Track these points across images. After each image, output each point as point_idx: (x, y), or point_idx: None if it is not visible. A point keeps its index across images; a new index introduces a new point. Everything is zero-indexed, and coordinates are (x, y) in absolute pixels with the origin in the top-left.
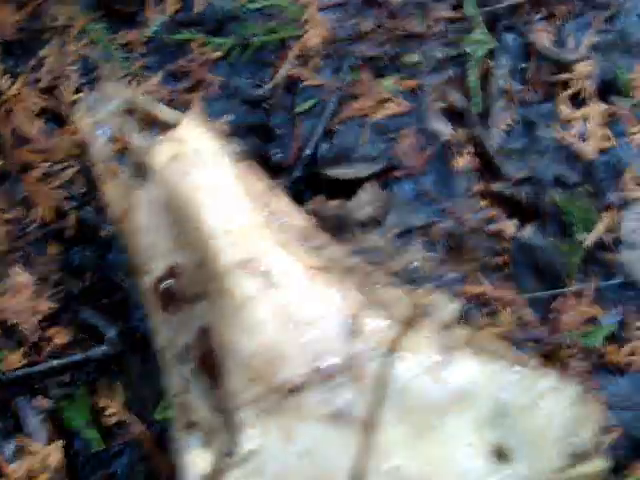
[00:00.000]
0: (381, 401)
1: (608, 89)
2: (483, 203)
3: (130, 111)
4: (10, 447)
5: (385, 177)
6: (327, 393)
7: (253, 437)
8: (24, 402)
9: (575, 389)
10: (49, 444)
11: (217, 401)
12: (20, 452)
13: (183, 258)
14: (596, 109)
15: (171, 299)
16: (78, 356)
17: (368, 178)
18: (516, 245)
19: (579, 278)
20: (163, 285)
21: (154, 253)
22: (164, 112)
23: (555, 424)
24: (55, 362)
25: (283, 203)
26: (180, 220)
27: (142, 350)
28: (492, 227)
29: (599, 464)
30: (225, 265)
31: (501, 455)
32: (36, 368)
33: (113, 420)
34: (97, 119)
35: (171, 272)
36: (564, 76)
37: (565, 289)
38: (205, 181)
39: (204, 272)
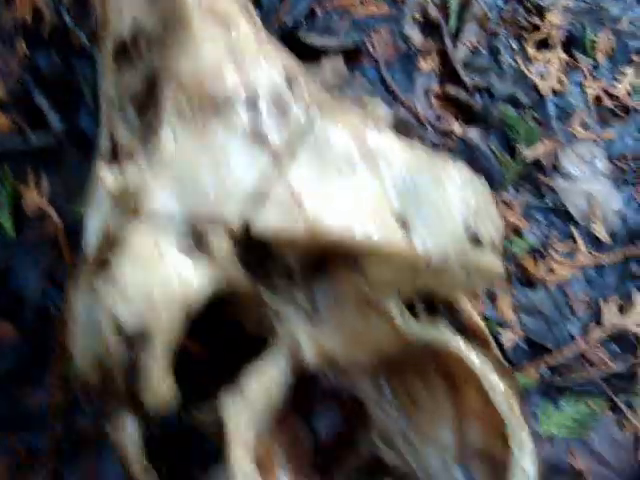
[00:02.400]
0: (301, 139)
1: (573, 44)
2: (438, 102)
3: None
4: None
5: (352, 58)
6: (252, 115)
7: (166, 141)
8: None
9: (484, 186)
10: None
11: (142, 128)
12: None
13: (149, 21)
14: (558, 56)
15: (126, 57)
16: (18, 141)
17: (336, 52)
18: (461, 145)
19: (512, 190)
20: (125, 45)
21: (124, 16)
22: None
23: (458, 210)
24: None
25: (252, 9)
26: None
27: (80, 147)
28: (442, 125)
29: (495, 262)
30: (191, 7)
31: (404, 224)
32: None
33: (32, 209)
34: None
35: (136, 33)
36: (535, 21)
37: (497, 196)
38: None
39: (165, 26)
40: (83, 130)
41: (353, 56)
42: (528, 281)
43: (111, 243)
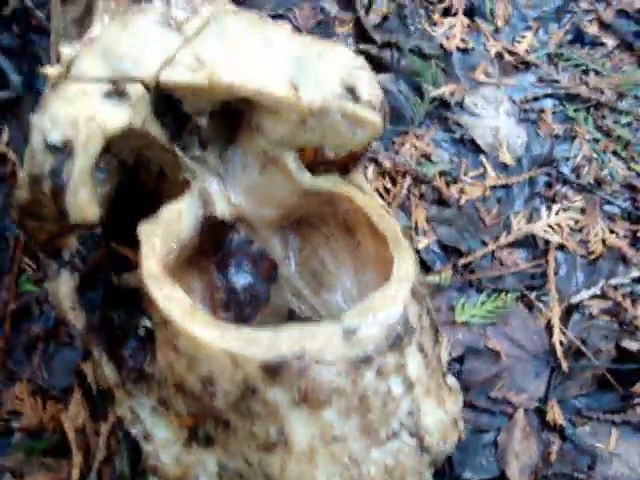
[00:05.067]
0: (206, 24)
1: (474, 12)
2: None
3: None
4: None
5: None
6: (166, 6)
7: (96, 28)
8: None
9: (363, 62)
10: None
11: (81, 33)
12: None
13: None
14: (461, 21)
15: None
16: None
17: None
18: None
19: (422, 126)
20: None
21: None
22: None
23: (336, 71)
24: None
25: None
26: None
27: (37, 100)
28: None
29: (372, 114)
30: None
31: (294, 86)
32: None
33: None
34: None
35: None
36: None
37: (408, 129)
38: None
39: None
40: (39, 88)
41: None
42: (441, 200)
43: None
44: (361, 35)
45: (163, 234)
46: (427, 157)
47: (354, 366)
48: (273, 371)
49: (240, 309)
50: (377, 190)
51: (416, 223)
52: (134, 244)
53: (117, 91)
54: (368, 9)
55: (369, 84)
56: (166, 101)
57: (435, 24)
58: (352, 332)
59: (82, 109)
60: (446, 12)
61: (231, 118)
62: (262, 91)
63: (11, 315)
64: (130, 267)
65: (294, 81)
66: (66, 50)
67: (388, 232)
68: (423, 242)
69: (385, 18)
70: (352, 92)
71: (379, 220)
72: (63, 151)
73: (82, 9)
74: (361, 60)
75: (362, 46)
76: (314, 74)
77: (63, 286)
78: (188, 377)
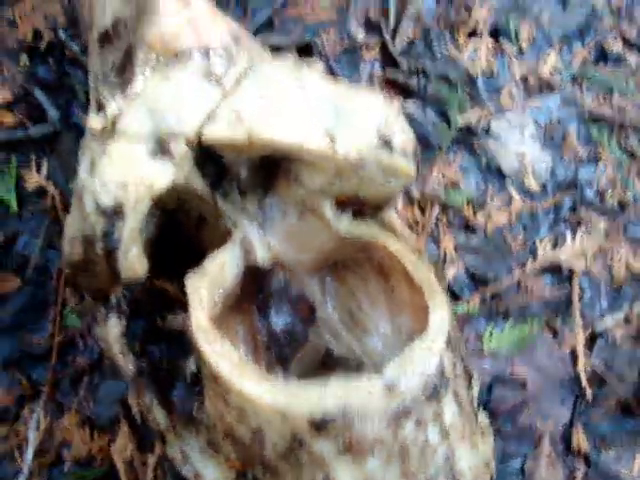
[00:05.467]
0: (245, 76)
1: (499, 33)
2: (380, 85)
3: None
4: None
5: (304, 55)
6: (205, 60)
7: (138, 82)
8: None
9: (396, 106)
10: None
11: (121, 84)
12: None
13: (126, 11)
14: (486, 44)
15: (108, 39)
16: (21, 133)
17: (290, 48)
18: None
19: (449, 153)
20: (107, 31)
21: (106, 12)
22: None
23: (372, 123)
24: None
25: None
26: None
27: (75, 135)
28: None
29: (406, 164)
30: None
31: (330, 137)
32: None
33: (33, 187)
34: None
35: (115, 22)
36: (465, 17)
37: (436, 157)
38: None
39: (138, 12)
40: (76, 122)
41: (305, 52)
42: (468, 226)
43: (96, 158)
44: (388, 61)
45: (209, 286)
46: (455, 184)
47: (394, 418)
48: (320, 425)
49: (280, 349)
50: (407, 220)
51: (445, 252)
52: (173, 278)
53: (162, 149)
54: (394, 33)
55: (403, 133)
56: (207, 153)
57: (460, 47)
58: (392, 386)
59: (130, 171)
60: (471, 34)
61: (269, 167)
62: (301, 147)
63: (57, 347)
64: (170, 301)
65: (330, 131)
66: (111, 106)
67: (423, 281)
68: (451, 271)
69: (411, 42)
70: (387, 142)
71: (414, 269)
72: (114, 214)
73: (121, 55)
74: (395, 108)
75: (389, 72)
76: (350, 125)
77: (112, 331)
78: (238, 427)
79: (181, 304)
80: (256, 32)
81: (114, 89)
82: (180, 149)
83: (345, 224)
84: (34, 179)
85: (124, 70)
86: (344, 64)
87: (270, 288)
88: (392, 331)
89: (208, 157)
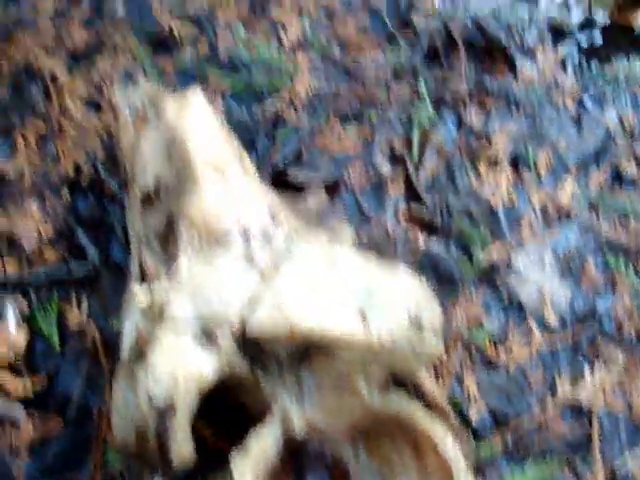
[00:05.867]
0: (283, 259)
1: (519, 162)
2: (405, 221)
3: (153, 101)
4: None
5: (332, 190)
6: (246, 245)
7: (182, 265)
8: (9, 301)
9: (424, 283)
10: (17, 332)
11: (165, 257)
12: None
13: (167, 173)
14: (506, 174)
15: (149, 202)
16: (63, 271)
17: (318, 185)
18: (425, 254)
19: (471, 289)
20: (148, 192)
21: (147, 171)
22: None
23: (403, 304)
24: (42, 273)
25: (247, 159)
26: (173, 147)
27: (114, 274)
28: (409, 239)
29: (435, 343)
30: (197, 162)
31: (363, 317)
32: (25, 275)
33: (75, 326)
34: (128, 98)
35: (157, 183)
36: (485, 146)
37: (458, 294)
38: (197, 125)
39: (178, 178)
40: (115, 260)
41: (333, 187)
42: (490, 364)
43: (146, 341)
44: (412, 195)
45: (253, 465)
46: (477, 322)
47: None
48: None
49: None
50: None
51: (468, 392)
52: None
53: (208, 338)
54: (418, 165)
55: (432, 311)
56: (248, 339)
57: (482, 177)
58: None
59: (179, 362)
60: (492, 163)
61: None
62: (338, 335)
63: None
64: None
65: (363, 311)
66: (158, 290)
67: (453, 461)
68: (474, 411)
69: (434, 175)
70: (417, 322)
71: (444, 447)
72: (166, 407)
73: (163, 221)
74: (424, 287)
75: (414, 208)
76: (382, 306)
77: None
78: None
79: (219, 452)
80: (285, 165)
81: (158, 260)
82: (226, 339)
83: (378, 398)
84: (75, 317)
85: (167, 241)
86: (370, 199)
87: (305, 454)
88: None
89: (249, 342)
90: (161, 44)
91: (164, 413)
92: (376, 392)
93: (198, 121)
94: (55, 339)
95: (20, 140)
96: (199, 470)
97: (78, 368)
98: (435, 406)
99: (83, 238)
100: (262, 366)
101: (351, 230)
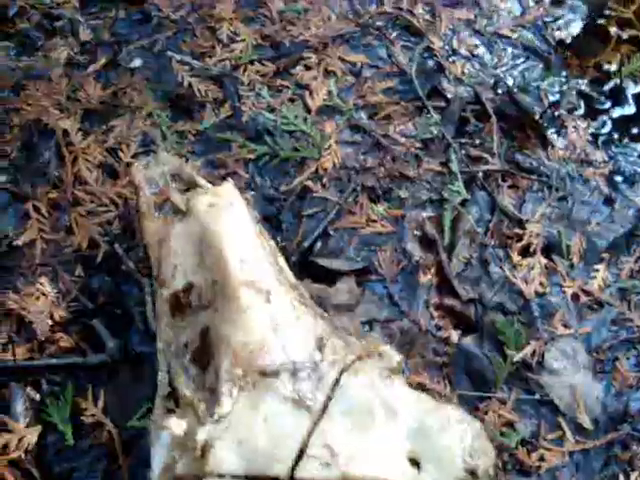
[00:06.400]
0: (332, 398)
1: (551, 249)
2: (437, 313)
3: (175, 176)
4: None
5: (362, 277)
6: (293, 383)
7: (226, 405)
8: (17, 389)
9: (479, 425)
10: (28, 427)
11: (202, 383)
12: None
13: (199, 278)
14: (539, 261)
15: (180, 308)
16: (78, 359)
17: (348, 273)
18: (457, 351)
19: (504, 388)
20: (178, 296)
21: (177, 271)
22: (204, 183)
23: (458, 450)
24: (54, 360)
25: (282, 259)
26: (206, 250)
27: (132, 365)
28: (440, 333)
29: None
30: (237, 281)
31: (414, 463)
32: (36, 362)
33: (90, 420)
34: (149, 175)
35: (188, 287)
36: (518, 231)
37: (491, 394)
38: (232, 226)
39: (214, 289)
40: (134, 349)
41: (362, 275)
42: (522, 470)
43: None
44: (445, 286)
45: None
46: (509, 424)
47: None
48: None
49: None
50: None
51: None
52: None
53: None
54: (450, 250)
55: (488, 459)
56: None
57: (515, 267)
58: None
59: None
60: (525, 250)
61: None
62: None
63: None
64: None
65: (417, 458)
66: (200, 435)
67: None
68: None
69: (467, 262)
70: (473, 472)
71: None
72: None
73: (197, 336)
74: (478, 429)
75: (447, 300)
76: (436, 452)
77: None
78: None
79: None
80: (311, 247)
81: (193, 384)
82: None
83: None
84: (91, 411)
85: (203, 363)
86: (401, 287)
87: None
88: None
89: None
90: (180, 104)
91: None
92: None
93: (233, 219)
94: (69, 433)
95: (32, 209)
96: None
97: (94, 466)
98: None
99: (99, 327)
100: None
101: (400, 357)
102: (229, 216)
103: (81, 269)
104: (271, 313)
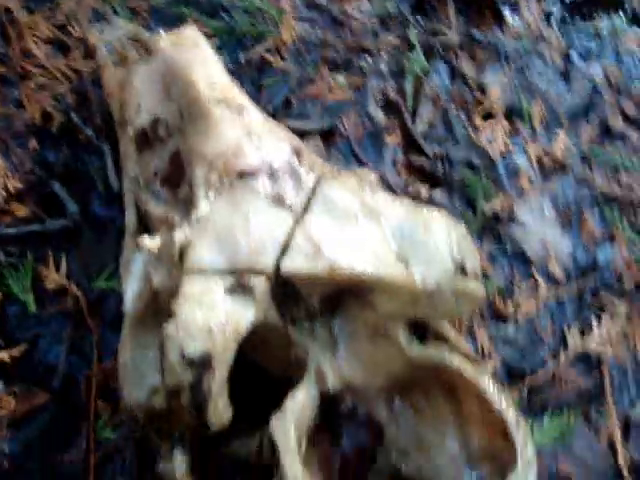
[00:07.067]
0: (314, 200)
1: (513, 113)
2: (405, 171)
3: (131, 40)
4: None
5: (328, 139)
6: (272, 184)
7: (203, 206)
8: None
9: (463, 227)
10: None
11: (174, 200)
12: None
13: (165, 111)
14: (501, 124)
15: (147, 143)
16: (36, 226)
17: (313, 134)
18: (428, 204)
19: (476, 240)
20: (145, 132)
21: (141, 110)
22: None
23: (445, 248)
24: (10, 230)
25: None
26: (172, 82)
27: (95, 228)
28: (410, 190)
29: (478, 287)
30: (207, 99)
31: (404, 262)
32: None
33: (52, 286)
34: (105, 38)
35: (154, 121)
36: (479, 97)
37: None
38: (199, 58)
39: (182, 117)
40: (96, 213)
41: (328, 136)
42: (500, 317)
43: (168, 293)
44: (410, 144)
45: (294, 427)
46: (485, 275)
47: None
48: None
49: (353, 472)
50: None
51: (482, 346)
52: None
53: (240, 285)
54: (414, 114)
55: (474, 257)
56: (281, 284)
57: (478, 129)
58: None
59: (213, 314)
60: (487, 115)
61: (338, 291)
62: (381, 279)
63: (94, 466)
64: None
65: (404, 256)
66: (179, 235)
67: (502, 409)
68: (490, 366)
69: (431, 125)
70: (461, 268)
71: (492, 397)
72: (202, 364)
73: (167, 164)
74: (462, 228)
75: (414, 158)
76: (423, 250)
77: (178, 467)
78: None
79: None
80: (274, 114)
81: (166, 203)
82: (260, 285)
83: (417, 349)
84: (53, 278)
85: (175, 185)
86: (367, 148)
87: (339, 412)
88: (460, 450)
89: (282, 289)
90: None
91: (199, 369)
92: (415, 341)
93: (200, 55)
94: (31, 302)
95: None
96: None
97: (59, 333)
98: (464, 354)
99: (59, 190)
100: (291, 319)
101: (374, 175)
102: (195, 51)
103: (35, 142)
104: (244, 124)
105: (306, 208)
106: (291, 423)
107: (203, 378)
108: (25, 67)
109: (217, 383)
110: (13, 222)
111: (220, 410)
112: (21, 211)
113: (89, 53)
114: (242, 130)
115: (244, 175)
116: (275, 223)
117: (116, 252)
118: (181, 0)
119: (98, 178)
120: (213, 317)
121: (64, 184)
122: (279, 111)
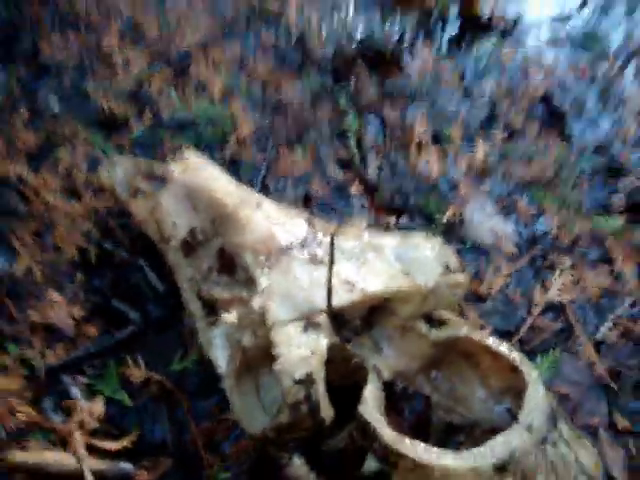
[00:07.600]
0: (333, 251)
1: (438, 137)
2: (373, 211)
3: (136, 171)
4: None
5: (306, 203)
6: (305, 249)
7: (264, 280)
8: (68, 379)
9: (440, 240)
10: (90, 401)
11: (235, 283)
12: (69, 411)
13: (198, 222)
14: (433, 149)
15: (191, 249)
16: (109, 339)
17: (296, 202)
18: (397, 229)
19: None
20: (187, 241)
21: (177, 225)
22: (161, 166)
23: (434, 258)
24: (90, 347)
25: None
26: (195, 199)
27: (158, 328)
28: (381, 222)
29: (462, 277)
30: (231, 205)
31: (408, 275)
32: (74, 355)
33: (137, 380)
34: (113, 178)
35: (192, 232)
36: (408, 133)
37: None
38: (209, 175)
39: (214, 223)
40: (155, 316)
41: (306, 201)
42: (480, 297)
43: (261, 347)
44: (369, 190)
45: (377, 409)
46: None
47: (539, 446)
48: (501, 468)
49: (416, 431)
50: None
51: (474, 322)
52: None
53: (311, 324)
54: (364, 165)
55: (453, 258)
56: (334, 318)
57: (416, 159)
58: (530, 426)
59: (303, 347)
60: (418, 146)
61: (370, 310)
62: (396, 291)
63: None
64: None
65: (407, 271)
66: (255, 303)
67: (510, 354)
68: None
69: (380, 168)
70: (447, 267)
71: (497, 348)
72: (308, 381)
73: (214, 259)
74: (439, 240)
75: (377, 201)
76: (419, 263)
77: (299, 468)
78: None
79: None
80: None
81: (227, 287)
82: (323, 320)
83: (436, 332)
84: (136, 374)
85: (229, 271)
86: (338, 201)
87: (394, 394)
88: (486, 394)
89: (334, 318)
90: (108, 125)
91: (307, 385)
92: (433, 328)
93: (209, 173)
94: (125, 398)
95: (16, 241)
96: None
97: (158, 412)
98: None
99: (119, 304)
100: (346, 338)
101: (364, 223)
102: (204, 171)
103: (81, 274)
104: (265, 214)
105: (332, 259)
106: (373, 407)
107: (311, 391)
108: (50, 217)
109: (321, 393)
110: (89, 342)
111: (327, 410)
112: (91, 331)
113: (97, 192)
114: (266, 219)
115: (284, 250)
116: (316, 276)
117: (178, 343)
118: (155, 126)
119: (144, 286)
120: (305, 351)
121: (119, 299)
122: (261, 193)
